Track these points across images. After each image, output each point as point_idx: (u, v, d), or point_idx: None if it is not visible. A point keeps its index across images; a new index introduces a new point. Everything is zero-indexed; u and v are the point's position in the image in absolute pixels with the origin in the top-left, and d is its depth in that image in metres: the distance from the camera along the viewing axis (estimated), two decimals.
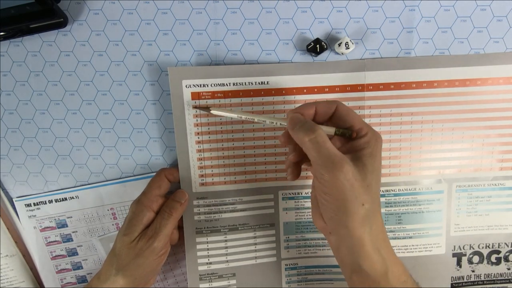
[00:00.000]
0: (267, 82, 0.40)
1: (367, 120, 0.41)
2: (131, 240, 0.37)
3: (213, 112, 0.38)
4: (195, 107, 0.40)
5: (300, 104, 0.35)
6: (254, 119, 0.37)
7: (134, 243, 0.37)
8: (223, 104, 0.40)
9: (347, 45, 0.38)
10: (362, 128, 0.32)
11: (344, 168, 0.29)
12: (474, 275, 0.45)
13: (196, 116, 0.40)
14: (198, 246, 0.43)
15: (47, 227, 0.45)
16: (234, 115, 0.38)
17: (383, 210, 0.43)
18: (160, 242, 0.37)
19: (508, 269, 0.45)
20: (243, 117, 0.38)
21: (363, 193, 0.30)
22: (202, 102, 0.40)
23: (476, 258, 0.44)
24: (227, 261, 0.44)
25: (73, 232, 0.45)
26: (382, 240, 0.32)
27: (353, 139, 0.33)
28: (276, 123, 0.37)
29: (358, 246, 0.31)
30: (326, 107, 0.34)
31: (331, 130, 0.33)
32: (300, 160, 0.35)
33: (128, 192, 0.44)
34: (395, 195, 0.43)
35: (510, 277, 0.45)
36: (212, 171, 0.42)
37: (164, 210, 0.38)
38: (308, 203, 0.43)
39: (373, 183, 0.31)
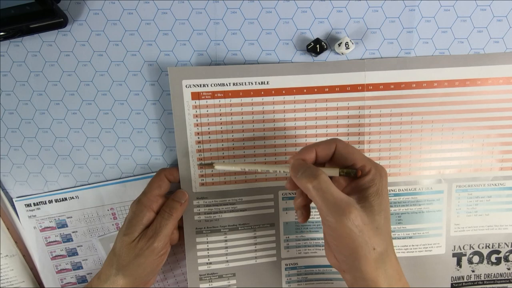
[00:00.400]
0: (267, 82, 0.40)
1: (367, 120, 0.41)
2: (131, 240, 0.37)
3: (217, 167, 0.39)
4: (200, 166, 0.41)
5: (301, 147, 0.34)
6: (257, 170, 0.38)
7: (134, 243, 0.37)
8: (223, 104, 0.40)
9: (347, 45, 0.38)
10: (365, 165, 0.32)
11: (352, 214, 0.29)
12: (474, 275, 0.45)
13: (196, 116, 0.40)
14: (198, 246, 0.43)
15: (47, 227, 0.45)
16: (238, 169, 0.39)
17: None
18: (160, 242, 0.37)
19: (508, 269, 0.45)
20: (247, 169, 0.39)
21: (373, 236, 0.30)
22: (202, 102, 0.40)
23: (476, 258, 0.44)
24: (227, 261, 0.44)
25: (73, 232, 0.45)
26: (398, 279, 0.32)
27: (357, 178, 0.32)
28: (279, 171, 0.37)
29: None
30: (326, 148, 0.33)
31: (335, 171, 0.33)
32: (309, 202, 0.35)
33: (128, 192, 0.44)
34: (395, 195, 0.43)
35: (510, 277, 0.45)
36: (212, 171, 0.42)
37: (164, 210, 0.38)
38: None
39: (382, 224, 0.31)
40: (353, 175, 0.32)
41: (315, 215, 0.43)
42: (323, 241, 0.43)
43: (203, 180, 0.42)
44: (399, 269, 0.32)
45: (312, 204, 0.42)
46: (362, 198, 0.31)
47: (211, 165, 0.40)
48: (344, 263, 0.31)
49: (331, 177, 0.32)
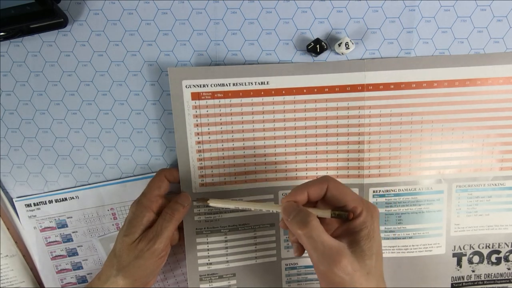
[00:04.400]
0: (267, 82, 0.40)
1: (367, 120, 0.41)
2: (132, 241, 0.37)
3: (212, 204, 0.39)
4: (196, 201, 0.41)
5: (292, 189, 0.34)
6: (251, 209, 0.38)
7: (134, 244, 0.37)
8: (223, 105, 0.40)
9: (347, 45, 0.39)
10: (357, 207, 0.32)
11: (342, 263, 0.29)
12: (474, 275, 0.45)
13: (196, 116, 0.40)
14: (198, 247, 0.43)
15: (47, 227, 0.45)
16: (231, 206, 0.39)
17: (383, 210, 0.43)
18: (161, 244, 0.37)
19: (508, 269, 0.45)
20: (240, 207, 0.39)
21: (364, 282, 0.30)
22: (202, 102, 0.40)
23: (476, 258, 0.44)
24: (227, 261, 0.44)
25: (73, 232, 0.45)
26: None
27: (349, 220, 0.32)
28: (272, 211, 0.37)
29: None
30: (318, 189, 0.33)
31: (326, 213, 0.33)
32: None
33: (128, 192, 0.44)
34: (395, 195, 0.43)
35: (510, 277, 0.45)
36: (212, 171, 0.42)
37: (166, 212, 0.38)
38: None
39: (373, 268, 0.31)
40: (345, 217, 0.32)
41: None
42: None
43: (203, 180, 0.42)
44: None
45: None
46: (353, 242, 0.31)
47: (205, 201, 0.39)
48: None
49: (322, 218, 0.33)
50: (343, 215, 0.32)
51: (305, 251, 0.35)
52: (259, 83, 0.40)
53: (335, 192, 0.33)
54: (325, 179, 0.33)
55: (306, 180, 0.42)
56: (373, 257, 0.31)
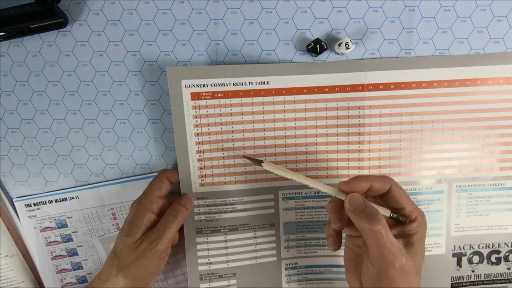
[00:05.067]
0: (267, 82, 0.40)
1: (367, 120, 0.41)
2: (133, 241, 0.37)
3: (265, 167, 0.37)
4: (249, 160, 0.38)
5: (352, 176, 0.34)
6: (308, 185, 0.35)
7: (136, 245, 0.37)
8: (223, 105, 0.40)
9: (347, 45, 0.38)
10: (413, 211, 0.33)
11: (403, 261, 0.31)
12: (474, 275, 0.45)
13: (196, 116, 0.40)
14: (198, 246, 0.43)
15: (47, 227, 0.45)
16: (288, 176, 0.36)
17: None
18: (163, 245, 0.37)
19: (508, 269, 0.45)
20: (297, 180, 0.36)
21: (415, 281, 0.32)
22: (202, 102, 0.40)
23: (476, 258, 0.44)
24: (227, 261, 0.44)
25: (73, 232, 0.45)
26: None
27: (403, 223, 0.34)
28: (327, 193, 0.35)
29: None
30: (382, 184, 0.34)
31: (386, 212, 0.34)
32: (343, 228, 0.36)
33: (128, 192, 0.44)
34: None
35: (510, 277, 0.45)
36: (212, 171, 0.42)
37: (170, 213, 0.38)
38: (308, 203, 0.43)
39: (419, 269, 0.34)
40: (403, 221, 0.34)
41: (315, 215, 0.43)
42: (324, 241, 0.44)
43: (203, 180, 0.42)
44: None
45: (307, 206, 0.43)
46: (408, 243, 0.33)
47: (259, 162, 0.37)
48: None
49: None
50: (401, 219, 0.34)
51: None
52: (259, 83, 0.40)
53: (397, 193, 0.34)
54: (389, 178, 0.34)
55: None
56: (422, 259, 0.34)
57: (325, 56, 0.40)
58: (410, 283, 0.31)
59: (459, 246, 0.44)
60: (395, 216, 0.34)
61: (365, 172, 0.42)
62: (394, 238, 0.31)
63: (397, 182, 0.34)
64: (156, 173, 0.41)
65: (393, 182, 0.34)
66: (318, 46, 0.39)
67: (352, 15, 0.39)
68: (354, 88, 0.40)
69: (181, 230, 0.42)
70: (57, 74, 0.41)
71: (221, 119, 0.40)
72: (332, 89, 0.40)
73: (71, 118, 0.42)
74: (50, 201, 0.44)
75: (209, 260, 0.43)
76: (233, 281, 0.44)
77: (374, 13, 0.39)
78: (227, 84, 0.40)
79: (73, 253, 0.46)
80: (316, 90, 0.40)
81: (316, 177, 0.42)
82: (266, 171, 0.42)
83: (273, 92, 0.40)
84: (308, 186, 0.35)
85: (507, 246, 0.44)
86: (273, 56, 0.40)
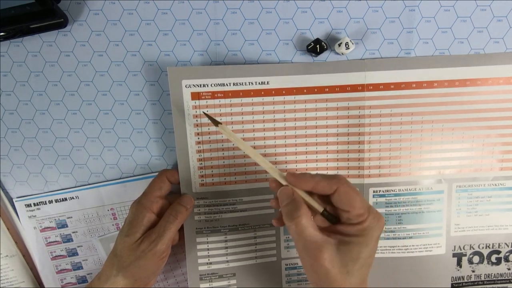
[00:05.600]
0: (267, 82, 0.40)
1: (367, 120, 0.41)
2: (133, 241, 0.37)
3: (221, 130, 0.37)
4: (208, 118, 0.38)
5: (302, 173, 0.34)
6: (259, 164, 0.36)
7: (136, 245, 0.37)
8: (223, 105, 0.40)
9: (347, 45, 0.39)
10: (362, 215, 0.32)
11: (320, 257, 0.31)
12: (474, 275, 0.45)
13: (196, 116, 0.40)
14: (199, 246, 0.43)
15: (47, 227, 0.45)
16: (240, 146, 0.36)
17: (383, 210, 0.43)
18: (163, 245, 0.37)
19: (508, 269, 0.45)
20: (250, 155, 0.36)
21: (340, 280, 0.31)
22: (202, 102, 0.40)
23: (476, 258, 0.44)
24: (227, 261, 0.44)
25: (73, 232, 0.45)
26: None
27: (342, 224, 0.33)
28: (270, 175, 0.36)
29: None
30: (327, 186, 0.33)
31: (319, 208, 0.34)
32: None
33: (128, 192, 0.44)
34: (395, 195, 0.43)
35: (510, 277, 0.45)
36: (212, 171, 0.42)
37: (170, 213, 0.38)
38: None
39: (354, 271, 0.31)
40: (333, 222, 0.34)
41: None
42: None
43: (203, 180, 0.42)
44: None
45: None
46: (343, 241, 0.32)
47: (216, 123, 0.36)
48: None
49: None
50: (332, 219, 0.34)
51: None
52: (259, 83, 0.40)
53: (344, 196, 0.33)
54: (338, 180, 0.33)
55: None
56: (358, 261, 0.31)
57: (325, 56, 0.40)
58: (332, 282, 0.31)
59: (459, 246, 0.44)
60: (326, 214, 0.34)
61: (365, 172, 0.42)
62: (317, 233, 0.32)
63: (351, 184, 0.33)
64: (156, 173, 0.41)
65: (342, 184, 0.33)
66: (318, 46, 0.39)
67: (352, 15, 0.39)
68: (354, 88, 0.40)
69: (181, 230, 0.42)
70: (57, 74, 0.41)
71: (221, 119, 0.40)
72: (332, 89, 0.40)
73: (71, 118, 0.42)
74: (50, 201, 0.44)
75: (209, 260, 0.43)
76: (233, 281, 0.44)
77: (374, 13, 0.39)
78: (227, 84, 0.40)
79: (73, 253, 0.46)
80: (316, 90, 0.40)
81: None
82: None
83: (273, 92, 0.40)
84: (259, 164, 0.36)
85: (507, 246, 0.44)
86: (273, 56, 0.40)
